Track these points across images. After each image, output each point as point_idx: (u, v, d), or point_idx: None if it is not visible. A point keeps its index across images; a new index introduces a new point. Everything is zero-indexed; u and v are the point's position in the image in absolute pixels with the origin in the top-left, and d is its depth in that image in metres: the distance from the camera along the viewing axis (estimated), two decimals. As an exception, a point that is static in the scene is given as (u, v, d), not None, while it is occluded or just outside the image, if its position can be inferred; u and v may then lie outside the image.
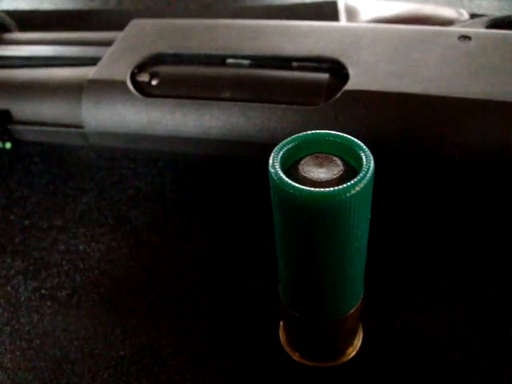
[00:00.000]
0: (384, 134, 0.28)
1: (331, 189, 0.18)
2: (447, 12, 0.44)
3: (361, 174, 0.18)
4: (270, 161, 0.19)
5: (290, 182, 0.18)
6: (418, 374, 0.24)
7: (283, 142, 0.20)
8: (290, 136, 0.26)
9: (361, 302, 0.24)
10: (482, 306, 0.26)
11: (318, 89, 0.30)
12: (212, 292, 0.28)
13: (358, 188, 0.18)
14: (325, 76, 0.30)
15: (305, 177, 0.19)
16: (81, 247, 0.31)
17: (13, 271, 0.30)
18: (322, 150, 0.20)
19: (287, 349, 0.26)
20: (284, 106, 0.29)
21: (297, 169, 0.19)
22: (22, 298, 0.29)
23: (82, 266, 0.30)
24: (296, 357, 0.25)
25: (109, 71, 0.32)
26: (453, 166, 0.29)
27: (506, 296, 0.27)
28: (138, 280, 0.29)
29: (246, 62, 0.32)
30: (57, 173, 0.36)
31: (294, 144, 0.20)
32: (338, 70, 0.31)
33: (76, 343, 0.26)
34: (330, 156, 0.20)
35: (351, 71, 0.30)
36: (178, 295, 0.28)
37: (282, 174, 0.18)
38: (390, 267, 0.29)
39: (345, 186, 0.18)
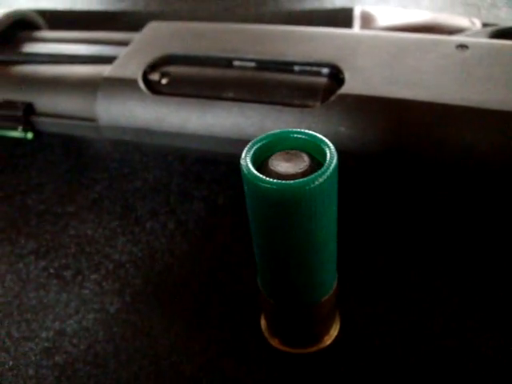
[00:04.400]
0: (375, 137, 0.29)
1: (292, 181, 0.19)
2: (460, 21, 0.45)
3: (322, 169, 0.20)
4: (243, 155, 0.21)
5: (255, 173, 0.20)
6: (395, 363, 0.25)
7: (257, 138, 0.21)
8: None
9: (335, 290, 0.25)
10: (462, 295, 0.28)
11: (314, 92, 0.31)
12: (203, 282, 0.30)
13: (318, 181, 0.20)
14: (322, 80, 0.32)
15: (272, 170, 0.21)
16: (89, 232, 0.33)
17: (25, 251, 0.33)
18: (292, 147, 0.21)
19: (267, 336, 0.27)
20: (280, 106, 0.31)
21: (267, 163, 0.21)
22: (32, 275, 0.31)
23: (87, 249, 0.32)
24: (275, 343, 0.27)
25: (123, 70, 0.34)
26: (441, 171, 0.30)
27: (476, 277, 0.28)
28: (137, 263, 0.31)
29: (252, 64, 0.34)
30: (74, 163, 0.39)
31: (266, 140, 0.21)
32: (336, 75, 0.32)
33: (75, 318, 0.29)
34: (300, 152, 0.21)
35: (347, 76, 0.31)
36: (171, 281, 0.30)
37: (250, 166, 0.20)
38: (371, 258, 0.30)
39: (306, 178, 0.19)
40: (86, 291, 0.30)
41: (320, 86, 0.31)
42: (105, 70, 0.35)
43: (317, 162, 0.21)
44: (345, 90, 0.30)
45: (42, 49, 0.40)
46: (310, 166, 0.21)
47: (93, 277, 0.31)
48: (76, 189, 0.37)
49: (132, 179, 0.37)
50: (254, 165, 0.21)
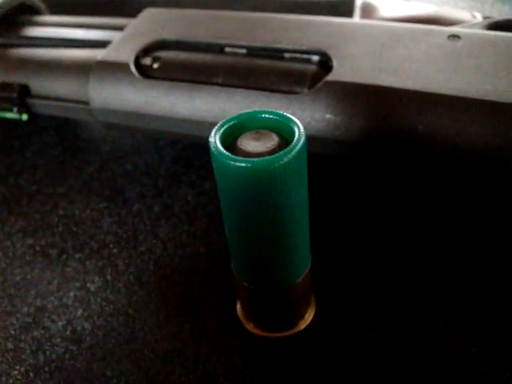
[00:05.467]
0: (361, 124, 0.29)
1: (258, 158, 0.19)
2: (462, 15, 0.44)
3: (289, 147, 0.20)
4: (212, 133, 0.21)
5: (223, 151, 0.20)
6: (370, 348, 0.25)
7: (227, 118, 0.22)
8: None
9: (308, 273, 0.25)
10: (441, 276, 0.28)
11: (302, 78, 0.31)
12: (183, 265, 0.30)
13: (285, 159, 0.20)
14: (311, 67, 0.32)
15: (241, 149, 0.21)
16: (76, 212, 0.34)
17: (14, 229, 0.33)
18: (262, 127, 0.22)
19: (242, 320, 0.27)
20: (268, 92, 0.31)
21: (236, 143, 0.21)
22: (18, 253, 0.32)
23: (74, 229, 0.33)
24: (250, 327, 0.27)
25: (116, 54, 0.35)
26: (427, 160, 0.29)
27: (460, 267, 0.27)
28: (121, 244, 0.31)
29: (243, 51, 0.34)
30: (68, 146, 0.39)
31: (236, 120, 0.22)
32: (325, 62, 0.32)
33: (56, 295, 0.29)
34: (269, 132, 0.21)
35: (335, 63, 0.31)
36: (152, 262, 0.30)
37: (218, 144, 0.20)
38: (348, 244, 0.30)
39: (272, 156, 0.20)
40: (69, 269, 0.30)
41: (308, 73, 0.31)
42: (98, 54, 0.35)
43: (286, 141, 0.21)
44: (332, 76, 0.30)
45: (41, 33, 0.40)
46: (278, 144, 0.21)
47: (77, 256, 0.31)
48: (68, 171, 0.37)
49: (123, 163, 0.37)
50: (223, 144, 0.21)
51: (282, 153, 0.20)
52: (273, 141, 0.21)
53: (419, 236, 0.30)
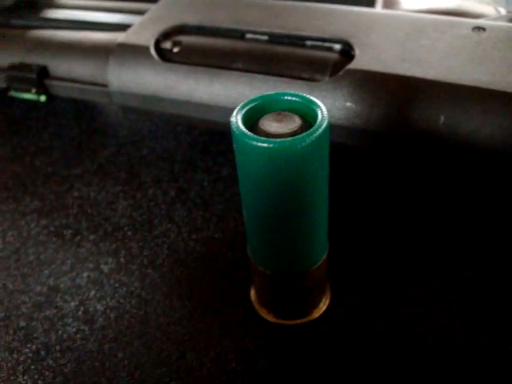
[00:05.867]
0: (379, 114, 0.29)
1: (281, 139, 0.19)
2: (486, 9, 0.44)
3: (312, 129, 0.20)
4: (233, 113, 0.21)
5: (245, 131, 0.20)
6: (381, 340, 0.25)
7: (248, 100, 0.21)
8: None
9: (325, 260, 0.25)
10: (453, 273, 0.27)
11: (323, 66, 0.31)
12: (197, 249, 0.30)
13: (307, 141, 0.19)
14: (333, 55, 0.31)
15: (263, 130, 0.20)
16: (92, 194, 0.34)
17: (29, 209, 0.33)
18: (284, 109, 0.21)
19: (256, 306, 0.27)
20: (288, 79, 0.30)
21: (258, 124, 0.21)
22: (32, 233, 0.32)
23: (89, 211, 0.33)
24: (264, 313, 0.27)
25: (136, 37, 0.34)
26: (446, 152, 0.29)
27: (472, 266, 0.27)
28: (136, 227, 0.31)
29: (264, 37, 0.34)
30: (84, 128, 0.39)
31: (259, 102, 0.21)
32: (347, 51, 0.32)
33: (69, 275, 0.29)
34: (292, 114, 0.21)
35: (357, 51, 0.31)
36: (166, 246, 0.30)
37: (240, 124, 0.20)
38: (365, 235, 0.29)
39: (294, 137, 0.19)
40: (83, 250, 0.30)
41: (330, 61, 0.31)
42: (119, 37, 0.35)
43: (308, 123, 0.21)
44: (353, 65, 0.30)
45: (60, 15, 0.40)
46: (300, 126, 0.20)
47: (91, 237, 0.31)
48: (84, 153, 0.37)
49: (139, 147, 0.37)
50: (245, 125, 0.20)
51: (304, 134, 0.19)
52: (295, 123, 0.20)
53: (435, 227, 0.30)
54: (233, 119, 0.20)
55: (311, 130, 0.19)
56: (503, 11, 0.42)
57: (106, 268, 0.29)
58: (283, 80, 0.31)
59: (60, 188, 0.34)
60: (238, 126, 0.20)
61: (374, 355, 0.24)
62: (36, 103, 0.38)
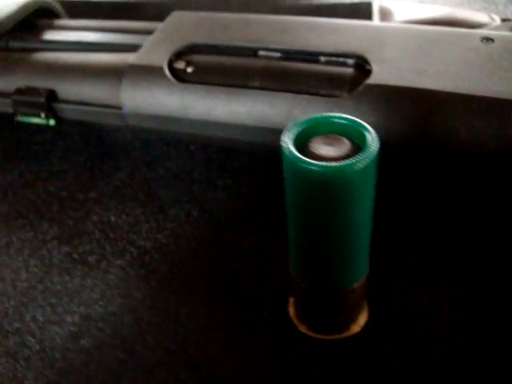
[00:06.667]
0: (400, 126, 0.29)
1: (337, 163, 0.19)
2: (480, 17, 0.45)
3: (365, 152, 0.20)
4: (284, 138, 0.21)
5: (299, 155, 0.20)
6: (418, 356, 0.25)
7: (296, 122, 0.21)
8: None
9: (365, 278, 0.25)
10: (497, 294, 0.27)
11: (341, 82, 0.31)
12: (228, 268, 0.30)
13: (361, 164, 0.20)
14: (349, 70, 0.32)
15: (314, 153, 0.21)
16: (112, 218, 0.33)
17: (49, 236, 0.33)
18: (331, 131, 0.22)
19: (295, 321, 0.27)
20: (307, 96, 0.31)
21: (308, 147, 0.21)
22: (55, 260, 0.31)
23: (111, 235, 0.32)
24: (303, 329, 0.27)
25: (148, 57, 0.34)
26: (466, 161, 0.30)
27: None
28: (162, 250, 0.31)
29: (277, 54, 0.34)
30: (94, 151, 0.39)
31: (307, 124, 0.21)
32: (362, 66, 0.32)
33: (100, 303, 0.29)
34: (339, 136, 0.21)
35: (374, 66, 0.31)
36: (197, 267, 0.30)
37: (293, 149, 0.20)
38: (401, 250, 0.30)
39: (350, 161, 0.20)
40: (111, 276, 0.30)
41: (346, 76, 0.32)
42: (129, 58, 0.35)
43: (356, 146, 0.21)
44: (372, 80, 0.30)
45: (64, 37, 0.40)
46: (351, 149, 0.21)
47: (117, 262, 0.31)
48: (97, 176, 0.37)
49: (154, 167, 0.37)
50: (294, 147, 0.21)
51: (358, 158, 0.20)
52: (345, 145, 0.21)
53: (472, 239, 0.30)
54: (284, 144, 0.21)
55: (365, 154, 0.20)
56: (497, 18, 0.44)
57: (137, 294, 0.29)
58: (303, 97, 0.31)
59: (78, 213, 0.34)
60: (291, 151, 0.20)
61: (414, 368, 0.25)
62: (40, 127, 0.37)
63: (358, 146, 0.21)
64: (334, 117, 0.21)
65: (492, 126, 0.28)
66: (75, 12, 0.45)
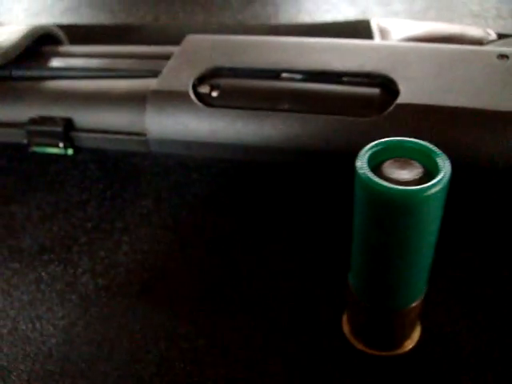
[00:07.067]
0: (434, 145, 0.30)
1: (417, 187, 0.20)
2: (475, 31, 0.46)
3: (441, 175, 0.20)
4: (358, 163, 0.21)
5: (377, 180, 0.20)
6: (470, 372, 0.26)
7: (366, 147, 0.22)
8: (345, 145, 0.28)
9: (423, 298, 0.25)
10: None
11: (370, 102, 0.32)
12: (275, 290, 0.30)
13: (438, 187, 0.20)
14: (376, 90, 0.32)
15: (389, 177, 0.21)
16: (145, 247, 0.33)
17: (80, 270, 0.32)
18: (400, 155, 0.22)
19: (351, 339, 0.28)
20: (340, 117, 0.31)
21: (380, 170, 0.21)
22: (93, 295, 0.30)
23: (147, 266, 0.32)
24: (360, 346, 0.27)
25: (171, 82, 0.34)
26: (498, 177, 0.31)
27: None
28: (201, 278, 0.31)
29: (300, 76, 0.34)
30: (113, 179, 0.38)
31: (377, 149, 0.22)
32: (387, 85, 0.33)
33: (149, 343, 0.28)
34: (410, 160, 0.22)
35: (401, 86, 0.32)
36: (240, 292, 0.30)
37: (371, 175, 0.21)
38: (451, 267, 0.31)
39: (429, 184, 0.20)
40: (157, 308, 0.29)
41: (375, 97, 0.32)
42: (150, 84, 0.35)
43: (426, 169, 0.22)
44: (402, 99, 0.31)
45: (73, 63, 0.39)
46: (422, 173, 0.21)
47: (160, 292, 0.30)
48: (121, 204, 0.36)
49: (179, 193, 0.36)
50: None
51: (437, 180, 0.20)
52: (418, 169, 0.21)
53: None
54: (360, 170, 0.21)
55: (439, 179, 0.20)
56: (492, 33, 0.45)
57: (188, 325, 0.29)
58: (334, 118, 0.31)
59: (107, 244, 0.33)
60: (368, 175, 0.20)
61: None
62: (51, 156, 0.36)
63: (428, 169, 0.21)
64: (404, 141, 0.22)
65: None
66: (76, 37, 0.45)
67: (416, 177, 0.21)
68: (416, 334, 0.28)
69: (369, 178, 0.20)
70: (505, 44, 0.39)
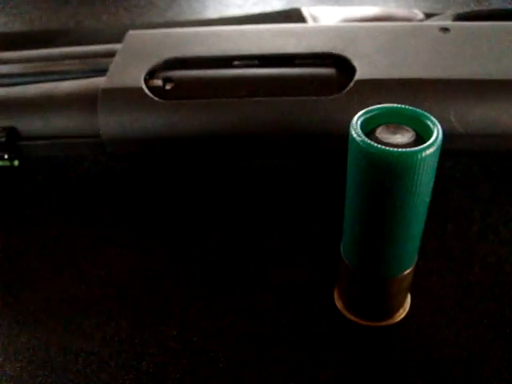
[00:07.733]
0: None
1: (418, 147, 0.20)
2: (403, 13, 0.48)
3: (435, 135, 0.21)
4: (353, 129, 0.21)
5: (370, 142, 0.20)
6: (462, 343, 0.26)
7: (358, 114, 0.22)
8: (311, 125, 0.30)
9: (413, 267, 0.26)
10: None
11: (329, 81, 0.32)
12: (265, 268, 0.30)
13: (435, 147, 0.20)
14: (332, 70, 0.33)
15: (386, 142, 0.21)
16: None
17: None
18: (392, 121, 0.22)
19: (342, 309, 0.28)
20: (303, 97, 0.31)
21: (375, 137, 0.21)
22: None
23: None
24: (352, 317, 0.27)
25: (122, 79, 0.32)
26: (461, 147, 0.32)
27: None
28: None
29: (255, 62, 0.34)
30: (68, 191, 0.35)
31: (372, 113, 0.22)
32: (342, 64, 0.33)
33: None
34: (402, 125, 0.22)
35: (356, 63, 0.32)
36: (231, 272, 0.29)
37: (367, 139, 0.20)
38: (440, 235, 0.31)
39: (427, 144, 0.20)
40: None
41: (333, 75, 0.32)
42: (95, 83, 0.33)
43: (418, 134, 0.22)
44: (360, 76, 0.31)
45: (7, 70, 0.36)
46: (415, 137, 0.21)
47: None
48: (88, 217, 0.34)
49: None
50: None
51: (426, 145, 0.20)
52: (410, 132, 0.21)
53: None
54: (355, 135, 0.21)
55: (431, 142, 0.20)
56: (419, 13, 0.47)
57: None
58: (297, 99, 0.31)
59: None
60: (362, 138, 0.20)
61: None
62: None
63: (420, 135, 0.22)
64: (397, 108, 0.22)
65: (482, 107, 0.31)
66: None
67: (410, 140, 0.21)
68: (407, 304, 0.28)
69: (370, 144, 0.20)
70: (439, 20, 0.41)
